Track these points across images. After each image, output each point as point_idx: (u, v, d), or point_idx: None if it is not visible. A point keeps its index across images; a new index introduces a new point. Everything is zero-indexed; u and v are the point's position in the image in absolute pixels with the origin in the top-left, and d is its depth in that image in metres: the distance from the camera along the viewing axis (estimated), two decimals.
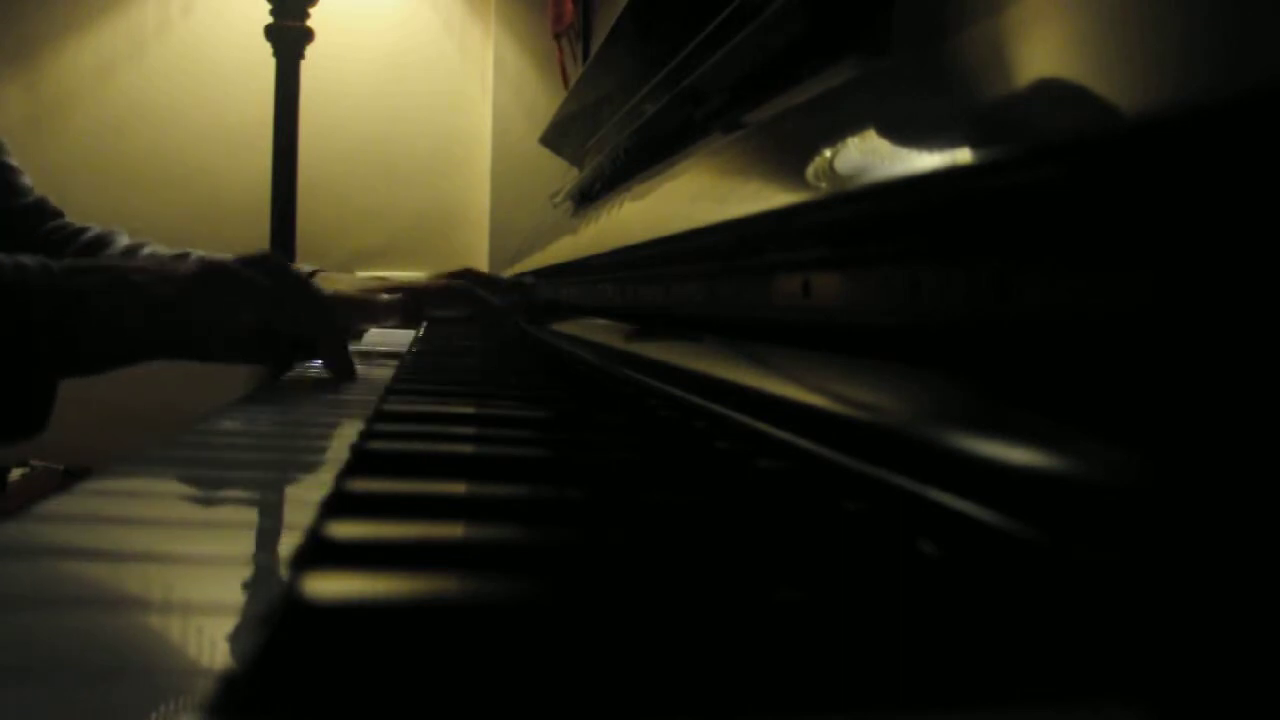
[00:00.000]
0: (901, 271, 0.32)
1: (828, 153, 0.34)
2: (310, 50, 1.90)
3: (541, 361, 0.93)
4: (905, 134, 0.29)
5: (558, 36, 2.17)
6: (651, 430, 0.47)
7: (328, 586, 0.19)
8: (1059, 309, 0.24)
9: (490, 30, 2.34)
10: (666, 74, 0.75)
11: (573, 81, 1.57)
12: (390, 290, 0.99)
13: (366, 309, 0.89)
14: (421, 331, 1.12)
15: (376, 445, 0.37)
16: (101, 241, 1.01)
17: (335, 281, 1.00)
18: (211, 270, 0.66)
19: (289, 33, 1.87)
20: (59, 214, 1.05)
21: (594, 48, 1.17)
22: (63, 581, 0.26)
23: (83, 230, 1.03)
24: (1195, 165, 0.19)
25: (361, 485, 0.30)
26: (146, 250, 1.01)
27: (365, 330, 1.03)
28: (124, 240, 1.03)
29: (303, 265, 1.07)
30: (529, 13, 2.32)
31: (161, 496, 0.37)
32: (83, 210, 2.16)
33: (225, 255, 0.71)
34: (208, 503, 0.37)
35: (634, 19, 0.89)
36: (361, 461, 0.35)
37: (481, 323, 1.07)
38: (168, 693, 0.18)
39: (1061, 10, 0.23)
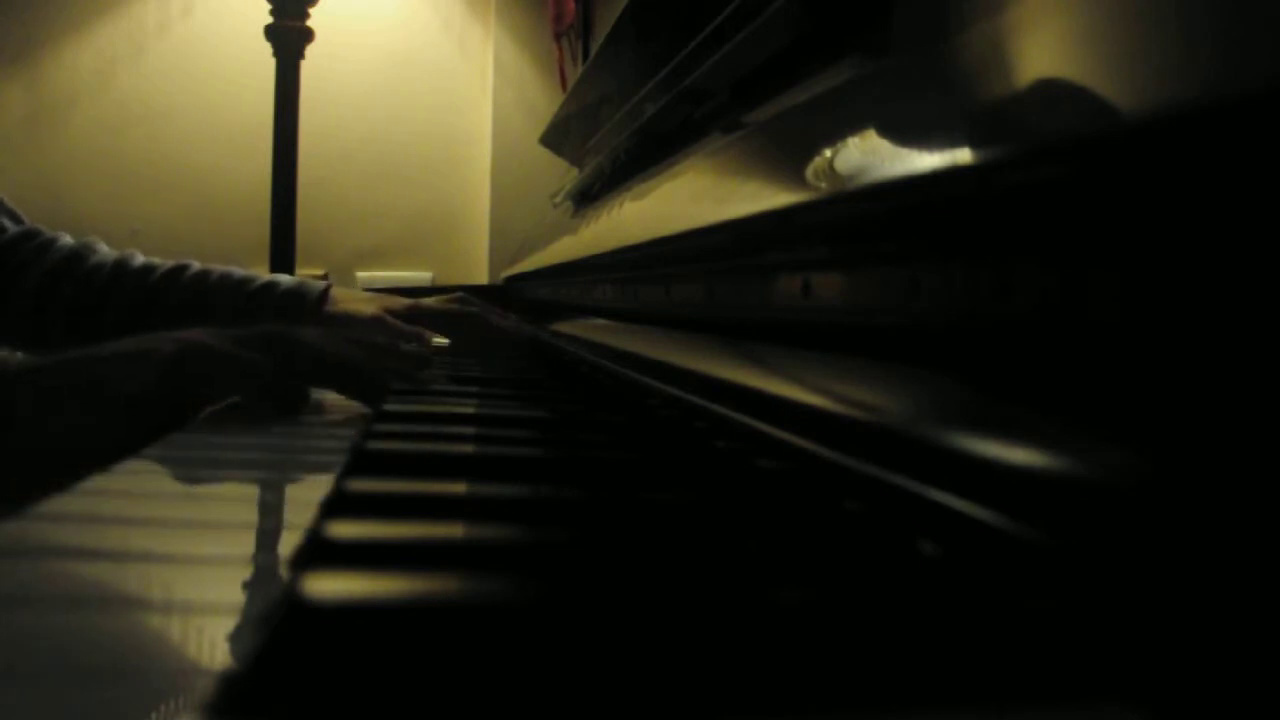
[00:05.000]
0: (901, 271, 0.32)
1: (828, 153, 0.34)
2: (310, 50, 1.90)
3: (542, 361, 0.93)
4: (905, 134, 0.29)
5: (558, 36, 2.17)
6: (651, 430, 0.47)
7: (327, 586, 0.19)
8: (1059, 309, 0.24)
9: (490, 30, 2.34)
10: (666, 74, 0.74)
11: (570, 83, 1.57)
12: (405, 312, 0.94)
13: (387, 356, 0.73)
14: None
15: (376, 445, 0.37)
16: (77, 256, 0.94)
17: (350, 300, 0.96)
18: (191, 350, 0.56)
19: (289, 33, 1.87)
20: (25, 228, 0.95)
21: (594, 48, 1.17)
22: (63, 581, 0.26)
23: (51, 243, 0.94)
24: (1196, 165, 0.19)
25: (361, 485, 0.30)
26: (136, 263, 0.95)
27: None
28: (103, 249, 0.96)
29: (313, 274, 1.04)
30: (529, 13, 2.32)
31: (161, 496, 0.37)
32: (83, 210, 2.15)
33: (210, 334, 0.59)
34: (208, 503, 0.37)
35: (634, 19, 0.89)
36: (361, 461, 0.35)
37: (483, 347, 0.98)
38: (167, 693, 0.18)
39: (1061, 10, 0.23)
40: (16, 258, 0.93)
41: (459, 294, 1.07)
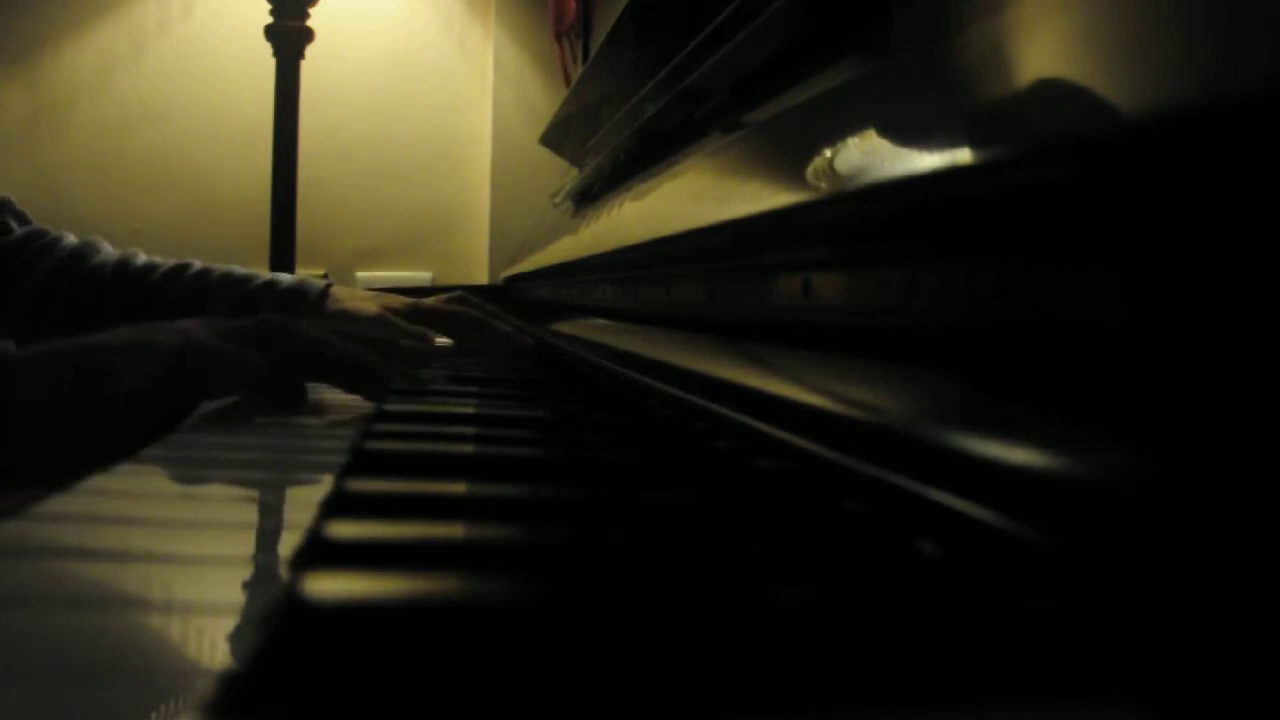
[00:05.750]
0: (901, 271, 0.32)
1: (827, 153, 0.34)
2: (310, 50, 1.90)
3: (541, 361, 0.93)
4: (905, 134, 0.29)
5: (559, 36, 2.17)
6: (651, 430, 0.47)
7: (327, 586, 0.19)
8: (1058, 309, 0.24)
9: (490, 30, 2.34)
10: (666, 74, 0.74)
11: (574, 81, 1.57)
12: (406, 311, 0.93)
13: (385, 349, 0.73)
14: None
15: (376, 445, 0.37)
16: (80, 255, 0.94)
17: (351, 298, 0.95)
18: (192, 346, 0.56)
19: (289, 33, 1.87)
20: (31, 228, 0.96)
21: (594, 48, 1.17)
22: (63, 581, 0.26)
23: (56, 243, 0.95)
24: (1196, 165, 0.19)
25: (361, 485, 0.30)
26: (138, 262, 0.95)
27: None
28: (106, 249, 0.96)
29: (313, 274, 1.04)
30: (529, 13, 2.32)
31: (161, 496, 0.37)
32: (83, 210, 2.15)
33: (210, 324, 0.59)
34: (208, 503, 0.37)
35: (634, 19, 0.89)
36: (361, 461, 0.35)
37: (483, 351, 0.96)
38: (167, 693, 0.18)
39: (1061, 10, 0.23)
40: (20, 257, 0.93)
41: (459, 294, 1.07)
